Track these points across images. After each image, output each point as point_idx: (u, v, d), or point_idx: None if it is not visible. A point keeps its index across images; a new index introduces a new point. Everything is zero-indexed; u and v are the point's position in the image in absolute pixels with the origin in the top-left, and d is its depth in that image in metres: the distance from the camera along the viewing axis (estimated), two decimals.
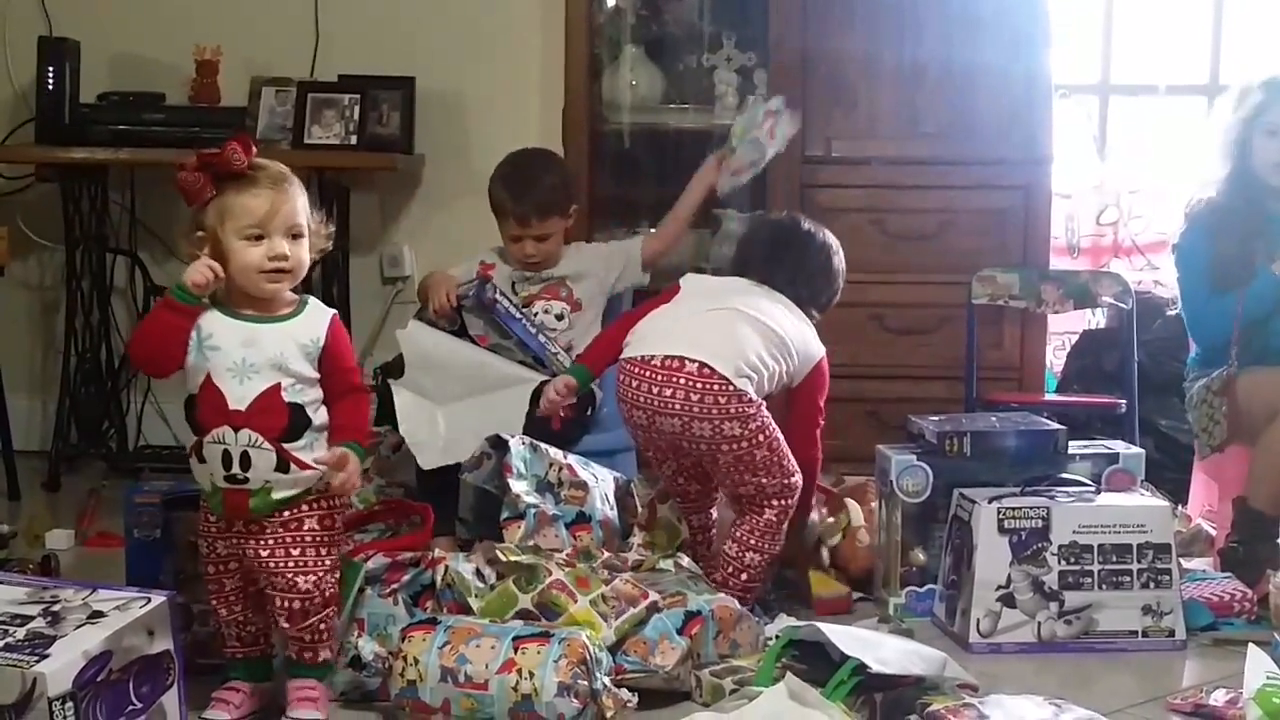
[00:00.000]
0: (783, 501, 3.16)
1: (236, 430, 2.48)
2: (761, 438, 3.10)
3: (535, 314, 3.67)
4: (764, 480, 3.13)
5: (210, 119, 4.62)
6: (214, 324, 2.51)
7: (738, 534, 3.16)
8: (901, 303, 4.40)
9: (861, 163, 4.37)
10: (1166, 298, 4.60)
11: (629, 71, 4.56)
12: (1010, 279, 4.22)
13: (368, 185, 4.78)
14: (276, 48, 4.77)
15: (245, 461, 2.48)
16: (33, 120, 4.62)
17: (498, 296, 3.57)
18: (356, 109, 4.57)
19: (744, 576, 3.14)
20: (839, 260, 3.39)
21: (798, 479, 3.17)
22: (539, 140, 4.48)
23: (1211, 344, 3.77)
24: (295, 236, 2.55)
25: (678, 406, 3.07)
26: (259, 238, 2.50)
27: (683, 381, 3.07)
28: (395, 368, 3.65)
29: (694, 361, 3.07)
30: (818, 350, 3.26)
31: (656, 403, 3.09)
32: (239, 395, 2.48)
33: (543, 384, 3.45)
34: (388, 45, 4.76)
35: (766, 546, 3.16)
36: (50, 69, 4.52)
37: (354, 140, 4.56)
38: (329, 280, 4.67)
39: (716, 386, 3.06)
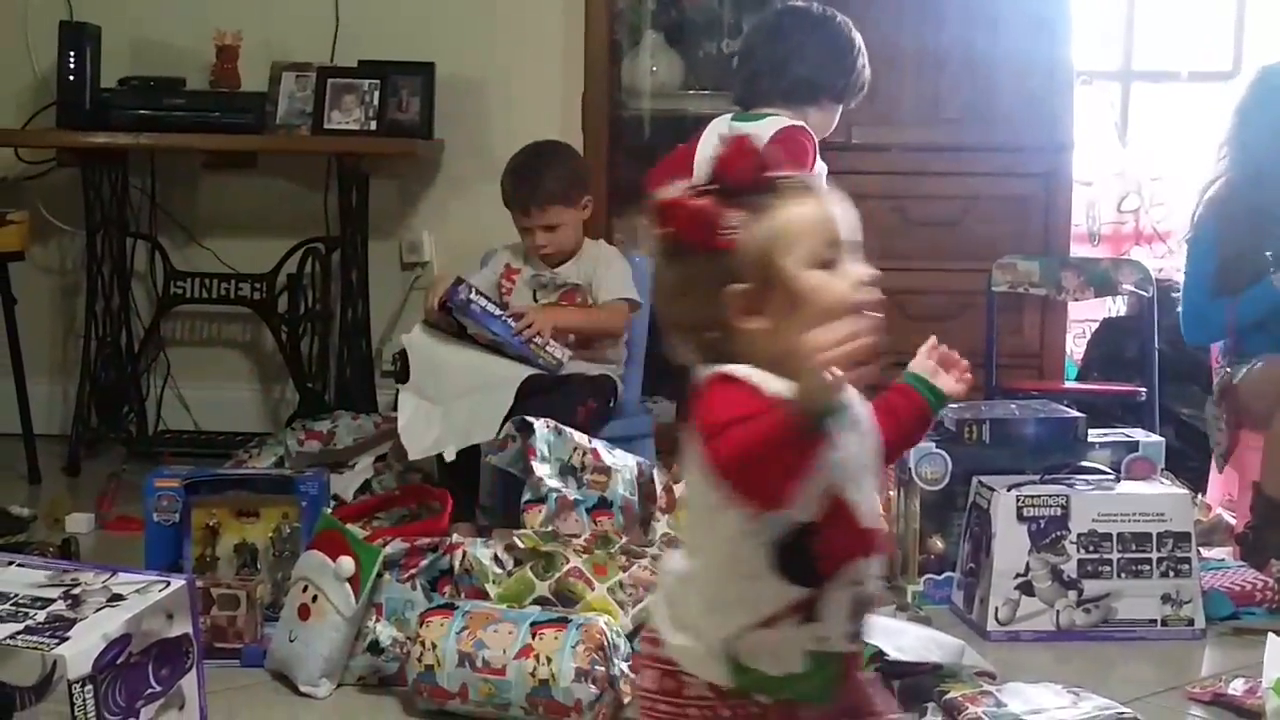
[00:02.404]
0: None
1: (868, 557, 1.61)
2: None
3: None
4: None
5: (230, 104, 4.63)
6: None
7: None
8: (922, 289, 4.39)
9: (882, 149, 4.36)
10: None
11: (649, 57, 4.56)
12: (1031, 266, 4.20)
13: (387, 171, 4.78)
14: (296, 33, 4.78)
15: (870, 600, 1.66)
16: (54, 105, 4.64)
17: (472, 297, 3.54)
18: (376, 94, 4.57)
19: None
20: (839, 37, 3.18)
21: None
22: (559, 126, 4.48)
23: (1203, 345, 3.77)
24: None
25: None
26: (831, 262, 1.61)
27: None
28: (404, 365, 3.64)
29: None
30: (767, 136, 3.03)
31: None
32: (869, 506, 1.62)
33: (529, 377, 3.48)
34: (407, 31, 4.76)
35: None
36: (71, 54, 4.53)
37: (374, 126, 4.56)
38: (348, 266, 4.68)
39: None
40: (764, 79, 3.11)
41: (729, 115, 3.19)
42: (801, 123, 3.06)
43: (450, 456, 3.39)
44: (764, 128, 3.06)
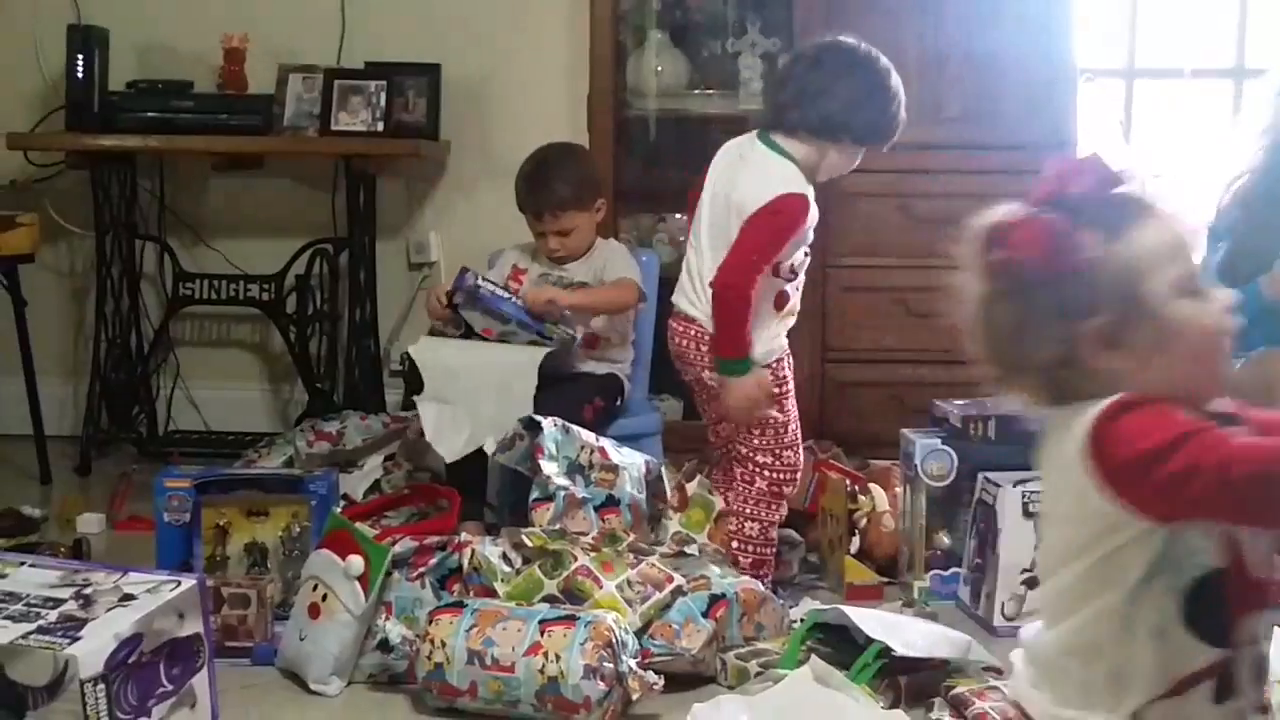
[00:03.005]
0: (772, 475, 3.18)
1: (1262, 611, 1.45)
2: None
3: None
4: (756, 440, 3.17)
5: (238, 106, 4.65)
6: None
7: (734, 505, 3.19)
8: (926, 287, 4.34)
9: None
10: None
11: (654, 58, 4.56)
12: None
13: (394, 172, 4.80)
14: (303, 35, 4.79)
15: None
16: (62, 108, 4.65)
17: (479, 282, 3.56)
18: (383, 96, 4.58)
19: (750, 548, 3.16)
20: (874, 78, 3.12)
21: (793, 459, 3.19)
22: (564, 126, 4.49)
23: None
24: None
25: (690, 357, 3.18)
26: (1196, 286, 1.44)
27: (693, 333, 3.16)
28: (414, 374, 3.63)
29: (696, 317, 3.15)
30: (769, 195, 3.04)
31: (688, 356, 3.18)
32: (1261, 554, 1.42)
33: (549, 354, 3.49)
34: (414, 32, 4.77)
35: (764, 515, 3.18)
36: (79, 57, 4.55)
37: (380, 127, 4.58)
38: (356, 267, 4.70)
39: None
40: (793, 108, 3.13)
41: (754, 133, 3.21)
42: (799, 189, 3.06)
43: (491, 449, 3.38)
44: (773, 176, 3.07)
